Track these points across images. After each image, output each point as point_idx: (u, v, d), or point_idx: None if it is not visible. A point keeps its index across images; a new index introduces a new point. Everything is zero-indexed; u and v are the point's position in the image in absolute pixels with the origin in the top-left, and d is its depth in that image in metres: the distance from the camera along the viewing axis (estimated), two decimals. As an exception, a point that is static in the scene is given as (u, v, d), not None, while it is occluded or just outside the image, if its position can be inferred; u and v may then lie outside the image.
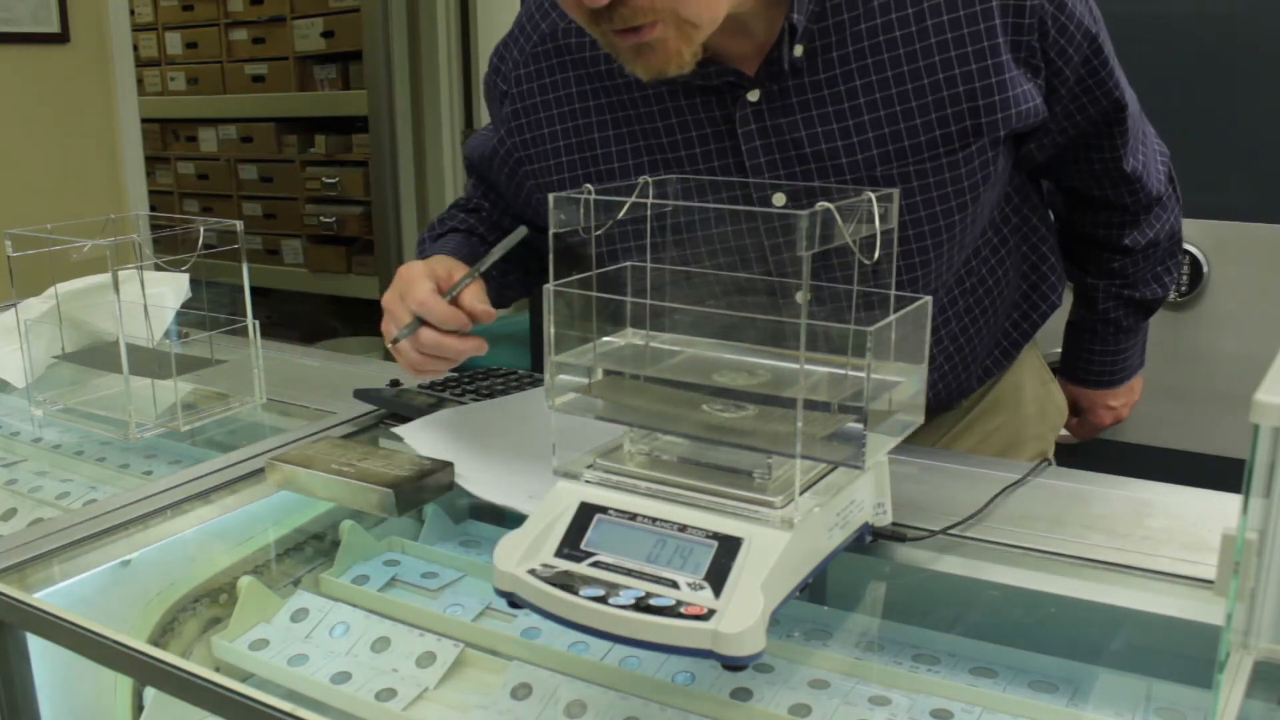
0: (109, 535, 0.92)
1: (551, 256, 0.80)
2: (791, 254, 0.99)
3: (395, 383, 1.22)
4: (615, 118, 1.02)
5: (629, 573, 0.71)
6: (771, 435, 0.75)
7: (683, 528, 0.74)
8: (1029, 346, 1.25)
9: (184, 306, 1.33)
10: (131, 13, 3.49)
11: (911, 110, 0.95)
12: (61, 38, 3.18)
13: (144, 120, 3.52)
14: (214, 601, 0.92)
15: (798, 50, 0.94)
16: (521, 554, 0.73)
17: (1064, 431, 1.35)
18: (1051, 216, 1.20)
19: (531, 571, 0.72)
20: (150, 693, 0.83)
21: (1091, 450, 1.89)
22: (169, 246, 1.25)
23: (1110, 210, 1.16)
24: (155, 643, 0.86)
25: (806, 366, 0.75)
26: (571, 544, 0.74)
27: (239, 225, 1.22)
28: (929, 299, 0.79)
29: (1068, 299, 1.27)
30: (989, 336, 1.17)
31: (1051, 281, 1.19)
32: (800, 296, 0.71)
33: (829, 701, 0.76)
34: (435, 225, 1.25)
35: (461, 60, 3.98)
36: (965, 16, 0.92)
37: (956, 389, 1.17)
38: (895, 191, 0.76)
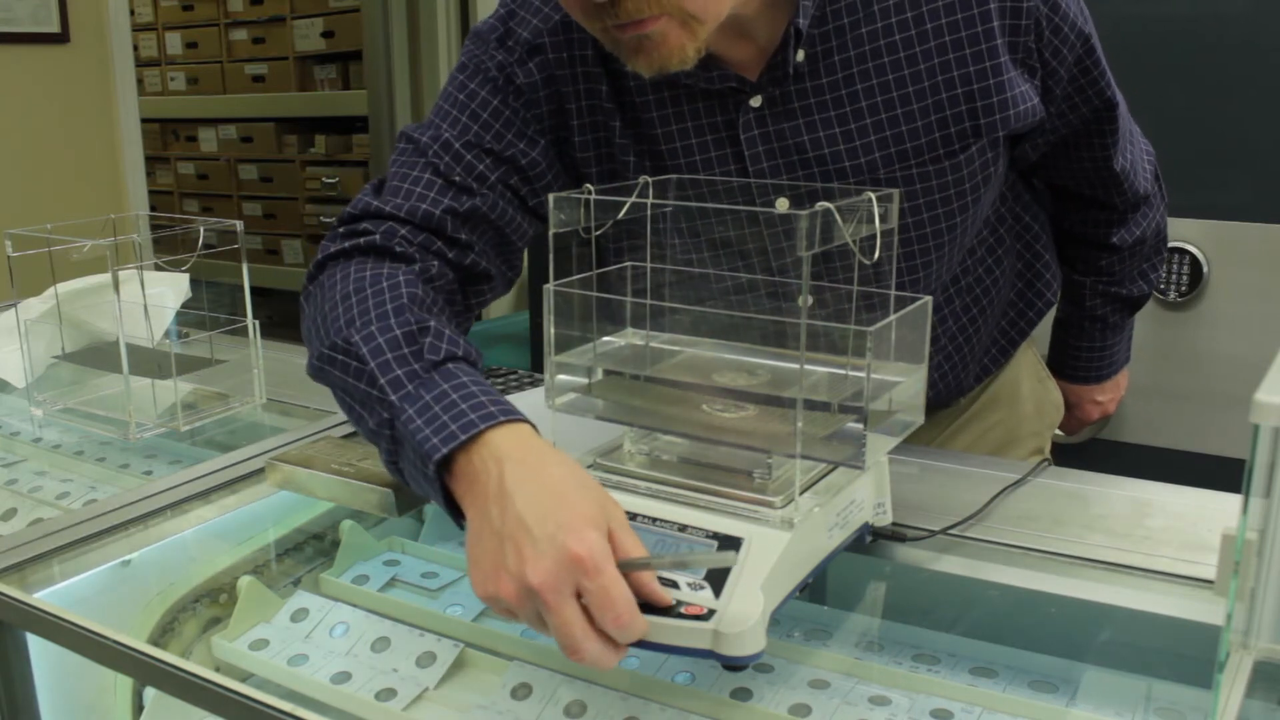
0: (109, 535, 0.92)
1: (551, 256, 0.80)
2: (793, 255, 0.99)
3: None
4: (625, 119, 1.01)
5: (629, 573, 0.71)
6: (771, 435, 0.75)
7: (683, 528, 0.74)
8: (1025, 345, 1.25)
9: (184, 306, 1.33)
10: (131, 13, 3.49)
11: (913, 113, 0.95)
12: (61, 38, 3.18)
13: (144, 120, 3.52)
14: (214, 601, 0.92)
15: (800, 55, 0.94)
16: (521, 554, 0.73)
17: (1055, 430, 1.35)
18: (1044, 215, 1.20)
19: (531, 571, 0.72)
20: (150, 693, 0.83)
21: (1091, 450, 1.90)
22: (169, 246, 1.25)
23: (1098, 209, 1.17)
24: (155, 643, 0.86)
25: (806, 366, 0.75)
26: (571, 544, 0.74)
27: (239, 225, 1.22)
28: (929, 299, 0.79)
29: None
30: (986, 335, 1.18)
31: (1047, 279, 1.19)
32: (801, 297, 0.71)
33: (829, 701, 0.76)
34: (403, 320, 0.84)
35: (461, 60, 3.97)
36: (964, 19, 0.93)
37: (954, 388, 1.18)
38: (896, 192, 0.76)
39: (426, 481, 0.77)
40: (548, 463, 0.73)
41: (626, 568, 0.67)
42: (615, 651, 0.66)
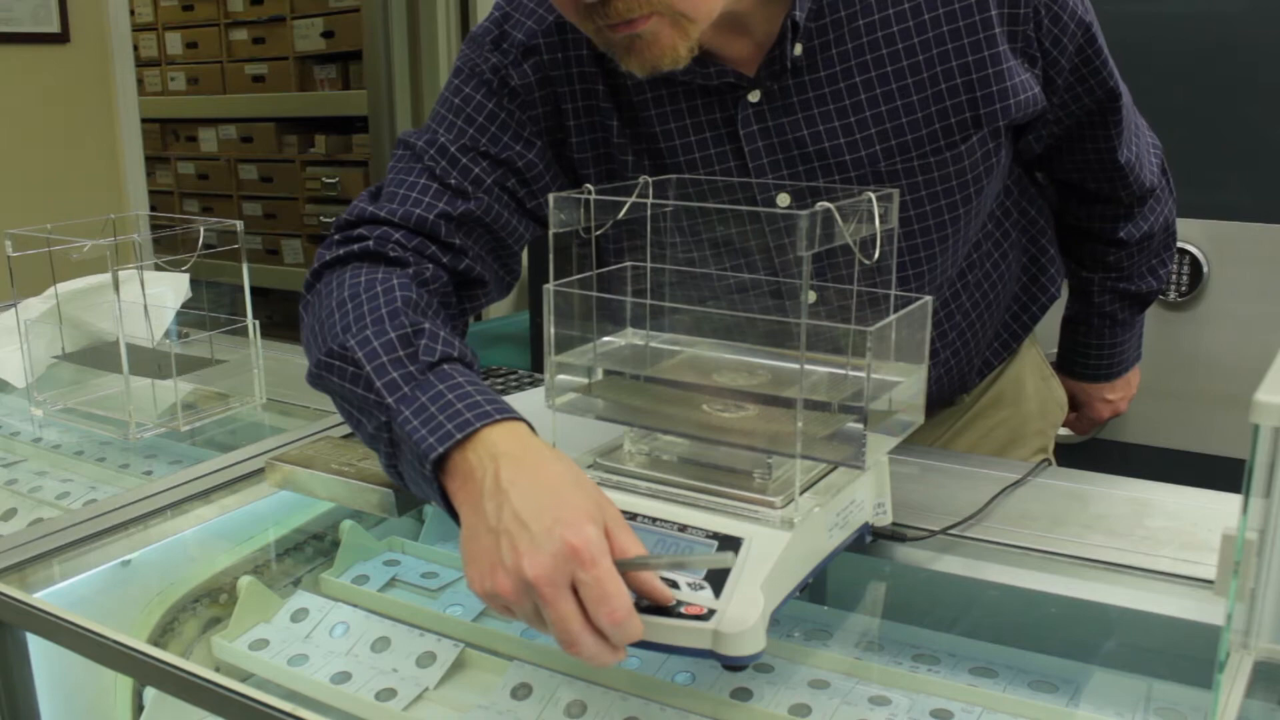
0: (109, 535, 0.92)
1: (551, 256, 0.80)
2: (793, 253, 0.99)
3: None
4: (623, 118, 1.01)
5: (629, 573, 0.71)
6: (771, 435, 0.75)
7: (683, 528, 0.74)
8: (1029, 342, 1.25)
9: (184, 306, 1.33)
10: (131, 13, 3.49)
11: (912, 104, 0.95)
12: (61, 38, 3.18)
13: (144, 120, 3.52)
14: (214, 601, 0.92)
15: (797, 49, 0.94)
16: (521, 554, 0.73)
17: (1064, 430, 1.35)
18: (1048, 209, 1.21)
19: (531, 571, 0.72)
20: (150, 693, 0.83)
21: (1091, 450, 1.90)
22: (169, 246, 1.25)
23: (1105, 203, 1.17)
24: (155, 643, 0.86)
25: (807, 366, 0.75)
26: (571, 544, 0.74)
27: (239, 225, 1.22)
28: (929, 299, 0.79)
29: (1065, 291, 1.28)
30: (991, 329, 1.18)
31: (1051, 273, 1.19)
32: (802, 296, 0.71)
33: (829, 701, 0.76)
34: (387, 315, 0.85)
35: (461, 60, 3.97)
36: (961, 9, 0.93)
37: (959, 382, 1.18)
38: (895, 191, 0.76)
39: (425, 482, 0.77)
40: (544, 460, 0.73)
41: (624, 567, 0.67)
42: (612, 651, 0.66)
